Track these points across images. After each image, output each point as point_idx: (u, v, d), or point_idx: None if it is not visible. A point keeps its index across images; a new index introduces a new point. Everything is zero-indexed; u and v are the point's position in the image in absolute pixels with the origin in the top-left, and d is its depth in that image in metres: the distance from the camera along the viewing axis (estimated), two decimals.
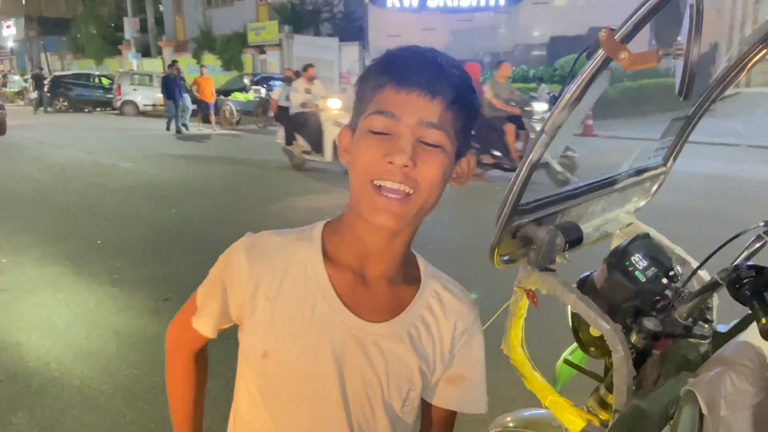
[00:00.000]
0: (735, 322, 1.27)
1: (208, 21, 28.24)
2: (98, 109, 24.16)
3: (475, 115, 0.86)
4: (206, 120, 17.07)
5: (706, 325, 1.24)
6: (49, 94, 23.25)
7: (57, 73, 26.08)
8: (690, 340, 1.23)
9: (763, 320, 0.94)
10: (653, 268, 1.29)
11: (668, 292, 1.29)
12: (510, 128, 8.42)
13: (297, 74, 11.59)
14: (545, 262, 1.27)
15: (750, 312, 1.01)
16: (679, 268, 1.40)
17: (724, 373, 0.98)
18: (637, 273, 1.28)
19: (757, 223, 1.24)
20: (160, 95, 18.48)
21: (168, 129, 15.95)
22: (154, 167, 10.44)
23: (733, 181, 8.62)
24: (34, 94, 23.74)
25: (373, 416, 0.92)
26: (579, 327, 1.37)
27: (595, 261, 1.39)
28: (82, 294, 4.46)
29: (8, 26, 42.46)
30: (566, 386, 1.53)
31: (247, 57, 26.01)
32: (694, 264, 1.46)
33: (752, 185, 8.37)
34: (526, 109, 8.70)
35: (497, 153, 8.59)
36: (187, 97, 16.48)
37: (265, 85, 19.30)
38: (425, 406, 1.03)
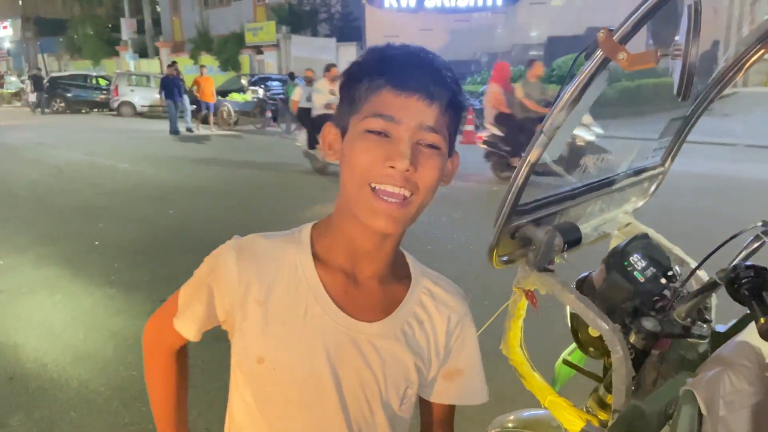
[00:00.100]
0: (733, 322, 1.27)
1: (206, 21, 28.24)
2: (95, 110, 24.12)
3: (462, 115, 0.87)
4: (205, 121, 17.03)
5: (705, 325, 1.24)
6: (46, 96, 23.23)
7: (54, 74, 26.04)
8: (689, 340, 1.23)
9: (762, 320, 0.94)
10: (652, 269, 1.30)
11: (667, 292, 1.29)
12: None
13: (306, 77, 11.23)
14: (544, 263, 1.26)
15: (748, 312, 1.01)
16: (677, 268, 1.40)
17: (723, 373, 0.98)
18: (635, 273, 1.28)
19: (755, 223, 1.24)
20: (158, 96, 18.44)
21: (171, 132, 15.74)
22: (152, 168, 10.43)
23: (731, 181, 8.63)
24: (32, 96, 23.67)
25: (372, 417, 0.92)
26: (578, 327, 1.37)
27: (594, 261, 1.39)
28: (79, 295, 4.45)
29: (5, 27, 42.40)
30: (565, 386, 1.53)
31: (245, 57, 26.01)
32: (693, 264, 1.47)
33: (750, 185, 8.39)
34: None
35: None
36: (186, 98, 16.41)
37: (262, 86, 19.30)
38: (424, 405, 1.03)
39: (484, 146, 8.72)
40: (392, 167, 0.79)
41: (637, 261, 1.30)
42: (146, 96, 22.10)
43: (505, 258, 1.28)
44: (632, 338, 1.24)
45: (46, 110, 23.00)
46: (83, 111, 23.88)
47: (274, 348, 0.88)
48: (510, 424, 1.70)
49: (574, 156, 7.52)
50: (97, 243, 5.79)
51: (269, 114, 17.70)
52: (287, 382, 0.88)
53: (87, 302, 4.32)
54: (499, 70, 8.96)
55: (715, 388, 0.97)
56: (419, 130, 0.80)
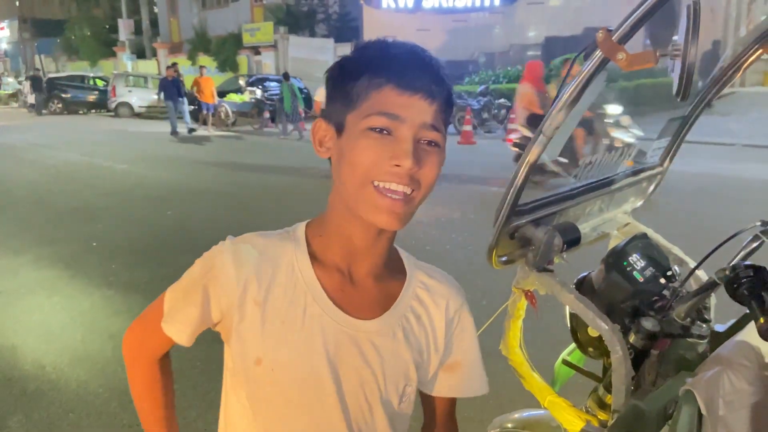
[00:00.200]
0: (732, 321, 1.27)
1: (203, 22, 28.19)
2: (93, 111, 24.09)
3: (452, 111, 0.88)
4: (204, 121, 16.99)
5: (704, 325, 1.24)
6: (44, 96, 23.19)
7: (51, 75, 26.00)
8: (688, 340, 1.23)
9: (762, 320, 0.94)
10: (651, 268, 1.30)
11: (666, 292, 1.29)
12: (579, 133, 7.36)
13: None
14: (543, 263, 1.27)
15: (747, 311, 1.01)
16: (676, 268, 1.40)
17: (722, 372, 0.98)
18: (635, 273, 1.28)
19: (754, 223, 1.24)
20: (156, 97, 18.38)
21: (171, 133, 15.67)
22: (150, 169, 10.41)
23: (729, 181, 8.64)
24: (31, 97, 23.61)
25: (372, 415, 0.92)
26: (577, 327, 1.37)
27: (593, 261, 1.39)
28: (77, 297, 4.44)
29: (2, 28, 42.34)
30: (565, 387, 1.53)
31: (242, 58, 25.99)
32: (692, 264, 1.47)
33: (748, 184, 8.40)
34: (598, 111, 7.91)
35: (563, 159, 8.07)
36: (185, 99, 16.30)
37: (260, 87, 19.29)
38: (426, 400, 1.03)
39: (515, 149, 8.34)
40: (397, 165, 0.79)
41: (636, 261, 1.30)
42: (144, 97, 22.07)
43: (504, 258, 1.28)
44: (631, 338, 1.24)
45: (44, 111, 22.96)
46: (81, 112, 23.86)
47: (273, 348, 0.87)
48: (509, 425, 1.70)
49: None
50: (95, 244, 5.79)
51: (267, 115, 17.69)
52: (286, 382, 0.88)
53: (85, 303, 4.31)
54: (532, 69, 8.73)
55: (714, 388, 0.97)
56: (422, 128, 0.81)
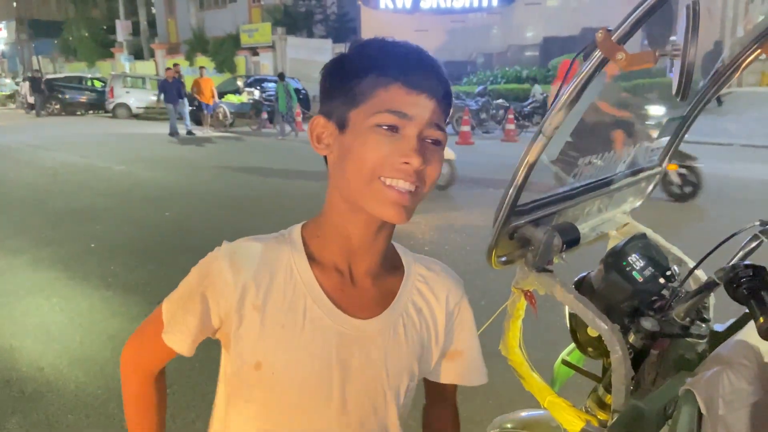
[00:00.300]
0: (732, 321, 1.28)
1: (201, 23, 28.20)
2: (90, 112, 24.07)
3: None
4: (202, 122, 16.97)
5: (704, 325, 1.25)
6: (43, 97, 23.15)
7: (49, 76, 25.95)
8: (687, 339, 1.23)
9: (761, 319, 0.94)
10: (650, 268, 1.30)
11: (665, 292, 1.30)
12: (619, 135, 7.66)
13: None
14: (543, 263, 1.27)
15: (746, 311, 1.01)
16: (675, 267, 1.40)
17: (722, 372, 0.98)
18: (634, 273, 1.28)
19: (752, 223, 1.24)
20: (154, 98, 18.35)
21: (170, 134, 15.64)
22: (148, 170, 10.40)
23: (728, 180, 8.65)
24: (30, 98, 23.55)
25: (375, 415, 0.92)
26: (577, 327, 1.37)
27: (592, 261, 1.39)
28: (75, 298, 4.43)
29: None
30: (564, 387, 1.53)
31: (240, 59, 25.99)
32: (691, 264, 1.47)
33: (747, 184, 8.42)
34: (640, 113, 8.10)
35: (600, 163, 8.07)
36: (186, 101, 16.25)
37: (258, 87, 19.29)
38: (428, 383, 1.05)
39: None
40: (406, 163, 0.80)
41: (635, 261, 1.30)
42: (142, 98, 22.04)
43: (503, 258, 1.29)
44: (631, 338, 1.24)
45: (42, 112, 22.93)
46: (78, 113, 23.83)
47: (273, 352, 0.87)
48: (509, 425, 1.70)
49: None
50: (93, 245, 5.77)
51: (265, 115, 17.69)
52: (286, 386, 0.87)
53: (84, 305, 4.30)
54: (565, 69, 8.71)
55: (714, 388, 0.97)
56: (427, 127, 0.82)
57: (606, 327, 1.19)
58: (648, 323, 1.22)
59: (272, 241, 0.91)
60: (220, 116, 17.74)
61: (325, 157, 0.89)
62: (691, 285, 1.39)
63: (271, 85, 19.27)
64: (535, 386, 1.39)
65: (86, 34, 34.14)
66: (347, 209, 0.86)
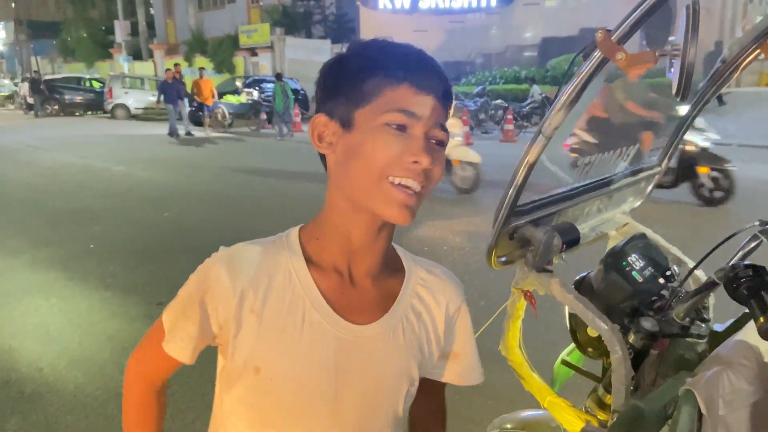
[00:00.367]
0: (731, 321, 1.28)
1: (200, 24, 28.20)
2: (89, 112, 24.03)
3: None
4: (201, 122, 16.96)
5: (703, 325, 1.25)
6: (43, 98, 23.13)
7: (47, 77, 25.93)
8: (687, 339, 1.24)
9: (761, 319, 0.94)
10: (650, 269, 1.30)
11: (665, 292, 1.30)
12: (648, 137, 7.34)
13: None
14: (542, 263, 1.27)
15: (746, 311, 1.01)
16: (675, 267, 1.40)
17: (722, 372, 0.98)
18: (634, 273, 1.28)
19: (752, 223, 1.24)
20: (152, 98, 18.31)
21: (169, 134, 15.61)
22: (147, 171, 10.39)
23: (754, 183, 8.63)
24: (30, 99, 23.51)
25: (373, 420, 0.91)
26: (577, 328, 1.37)
27: (592, 262, 1.39)
28: (74, 299, 4.43)
29: None
30: (564, 387, 1.53)
31: (239, 60, 25.98)
32: (690, 264, 1.47)
33: (745, 184, 8.42)
34: (670, 113, 7.77)
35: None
36: (186, 102, 16.21)
37: (257, 88, 19.28)
38: (421, 379, 1.04)
39: (574, 154, 8.04)
40: (416, 162, 0.80)
41: (635, 261, 1.30)
42: (140, 98, 22.00)
43: (503, 259, 1.29)
44: (631, 338, 1.24)
45: (40, 113, 22.90)
46: (77, 114, 23.79)
47: (271, 357, 0.86)
48: (509, 425, 1.70)
49: (685, 166, 6.67)
50: (92, 246, 5.77)
51: (264, 116, 17.69)
52: (285, 391, 0.87)
53: (83, 305, 4.30)
54: None
55: (714, 388, 0.97)
56: (433, 127, 0.82)
57: (606, 327, 1.19)
58: (648, 323, 1.22)
59: (270, 245, 0.90)
60: (219, 117, 17.73)
61: (323, 157, 0.88)
62: (691, 285, 1.39)
63: (270, 85, 19.26)
64: (535, 386, 1.39)
65: (85, 35, 34.09)
66: (349, 209, 0.85)
